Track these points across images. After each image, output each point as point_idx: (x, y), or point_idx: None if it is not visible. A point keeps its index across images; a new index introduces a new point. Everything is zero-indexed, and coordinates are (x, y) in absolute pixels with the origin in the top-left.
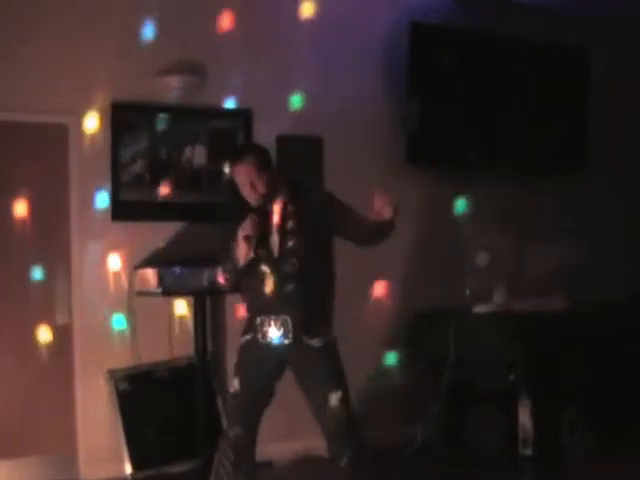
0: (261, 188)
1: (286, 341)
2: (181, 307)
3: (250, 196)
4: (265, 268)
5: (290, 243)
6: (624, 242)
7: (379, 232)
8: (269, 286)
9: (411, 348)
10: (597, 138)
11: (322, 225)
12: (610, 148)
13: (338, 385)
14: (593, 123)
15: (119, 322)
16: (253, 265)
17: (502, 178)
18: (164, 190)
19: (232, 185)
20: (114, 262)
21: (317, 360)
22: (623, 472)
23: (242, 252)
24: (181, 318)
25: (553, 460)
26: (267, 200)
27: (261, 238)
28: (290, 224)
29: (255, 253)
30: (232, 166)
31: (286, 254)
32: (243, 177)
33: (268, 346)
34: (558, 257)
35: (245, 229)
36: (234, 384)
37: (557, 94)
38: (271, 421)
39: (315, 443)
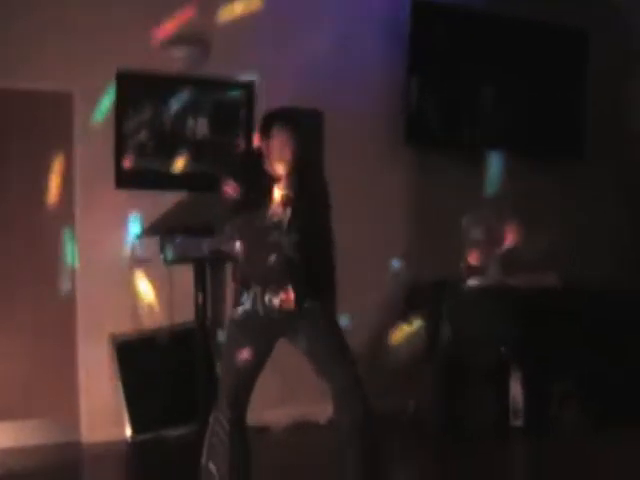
0: (289, 156)
1: (288, 310)
2: (182, 275)
3: (278, 164)
4: (274, 237)
5: (298, 213)
6: (620, 226)
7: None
8: (276, 255)
9: (406, 320)
10: (596, 121)
11: (321, 199)
12: (610, 132)
13: (342, 349)
14: (593, 107)
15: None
16: (260, 235)
17: (500, 157)
18: (179, 163)
19: (249, 154)
20: (117, 230)
21: (320, 326)
22: (613, 446)
23: (277, 211)
24: (182, 286)
25: (543, 432)
26: (289, 172)
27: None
28: (299, 195)
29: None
30: (271, 129)
31: (293, 224)
32: (279, 142)
33: (267, 316)
34: (553, 237)
35: (286, 188)
36: (226, 358)
37: (557, 75)
38: (268, 387)
39: (311, 409)
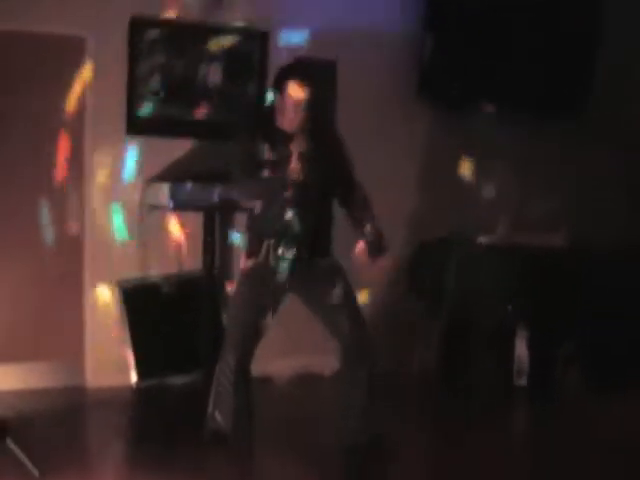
0: (303, 112)
1: (299, 261)
2: (191, 223)
3: (293, 119)
4: (291, 193)
5: (311, 168)
6: (625, 185)
7: (362, 208)
8: (291, 210)
9: (414, 277)
10: (605, 82)
11: (330, 158)
12: (616, 93)
13: (351, 305)
14: (602, 67)
15: (128, 234)
16: (276, 189)
17: (510, 115)
18: (191, 110)
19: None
20: (127, 175)
21: (329, 278)
22: (616, 408)
23: (294, 167)
24: (191, 234)
25: (546, 392)
26: (302, 126)
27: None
28: (312, 151)
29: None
30: (285, 83)
31: (309, 181)
32: (293, 97)
33: (279, 269)
34: (561, 195)
35: (301, 143)
36: (235, 309)
37: (571, 33)
38: (272, 338)
39: (315, 361)
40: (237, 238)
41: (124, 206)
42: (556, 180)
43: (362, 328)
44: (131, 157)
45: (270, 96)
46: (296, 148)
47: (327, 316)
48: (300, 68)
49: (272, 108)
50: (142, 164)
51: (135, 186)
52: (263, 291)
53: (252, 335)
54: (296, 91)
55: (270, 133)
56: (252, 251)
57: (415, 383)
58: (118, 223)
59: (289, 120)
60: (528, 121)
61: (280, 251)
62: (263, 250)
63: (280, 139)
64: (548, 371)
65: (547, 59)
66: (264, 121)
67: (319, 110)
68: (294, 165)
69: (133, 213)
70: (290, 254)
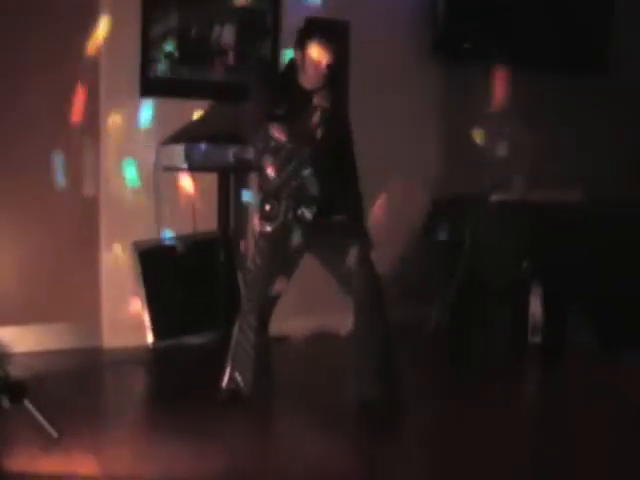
0: (325, 69)
1: (316, 221)
2: (206, 183)
3: (315, 77)
4: (307, 152)
5: (327, 128)
6: None
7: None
8: (309, 169)
9: (428, 234)
10: (622, 40)
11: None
12: (635, 47)
13: (366, 264)
14: (618, 26)
15: (143, 196)
16: (293, 149)
17: (525, 72)
18: (205, 71)
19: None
20: (141, 137)
21: (346, 241)
22: (630, 367)
23: (315, 123)
24: (205, 194)
25: (561, 350)
26: (323, 85)
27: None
28: (331, 109)
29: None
30: (307, 41)
31: (326, 140)
32: (316, 54)
33: (297, 229)
34: (576, 152)
35: (323, 100)
36: (254, 269)
37: None
38: (288, 297)
39: (331, 320)
40: (252, 198)
41: (139, 167)
42: (572, 136)
43: (377, 287)
44: (145, 118)
45: (285, 55)
46: (318, 104)
47: (342, 275)
48: (322, 28)
49: (289, 66)
50: (157, 125)
51: (150, 147)
52: (282, 252)
53: (272, 296)
54: (318, 47)
55: (286, 91)
56: (270, 213)
57: (430, 338)
58: (133, 185)
59: (310, 78)
60: (543, 77)
61: (299, 212)
62: (281, 212)
63: (299, 97)
64: (562, 328)
65: (562, 13)
66: (279, 80)
67: (338, 69)
68: (315, 120)
69: (148, 174)
70: (308, 215)
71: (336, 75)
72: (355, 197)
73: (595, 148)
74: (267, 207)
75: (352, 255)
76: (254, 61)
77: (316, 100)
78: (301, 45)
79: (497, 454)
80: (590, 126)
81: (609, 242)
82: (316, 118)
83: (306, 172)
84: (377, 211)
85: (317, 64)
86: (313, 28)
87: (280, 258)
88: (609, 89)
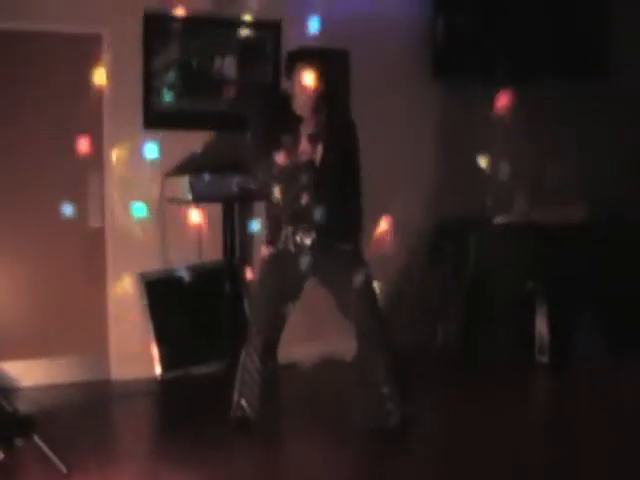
0: (313, 94)
1: (318, 246)
2: (210, 214)
3: (305, 103)
4: (305, 178)
5: (328, 154)
6: None
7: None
8: (307, 195)
9: (433, 257)
10: (621, 44)
11: (348, 139)
12: (634, 56)
13: (367, 291)
14: (617, 30)
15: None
16: (292, 175)
17: (526, 90)
18: (206, 103)
19: (279, 94)
20: (146, 168)
21: (348, 267)
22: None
23: (305, 150)
24: (210, 224)
25: (569, 367)
26: (315, 110)
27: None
28: (328, 137)
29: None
30: (298, 67)
31: (325, 165)
32: (303, 80)
33: (298, 255)
34: (579, 167)
35: (313, 127)
36: (258, 296)
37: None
38: (295, 324)
39: (338, 346)
40: (256, 227)
41: (144, 198)
42: (574, 153)
43: (377, 315)
44: (149, 150)
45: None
46: (305, 130)
47: (343, 300)
48: (308, 51)
49: (286, 95)
50: (161, 156)
51: (154, 179)
52: (284, 277)
53: (276, 321)
54: (305, 72)
55: (284, 119)
56: (272, 238)
57: (437, 356)
58: (139, 216)
59: (301, 104)
60: (543, 86)
61: (299, 237)
62: (282, 237)
63: (293, 123)
64: (569, 345)
65: (559, 30)
66: (278, 108)
67: (330, 93)
68: (303, 147)
69: (153, 205)
70: (308, 240)
71: (333, 99)
72: (355, 212)
73: (596, 152)
74: (267, 232)
75: (353, 281)
76: (254, 91)
77: (305, 127)
78: (289, 72)
79: (505, 471)
80: (590, 131)
81: (613, 256)
82: (304, 144)
83: (305, 198)
84: (380, 236)
85: (305, 90)
86: (299, 55)
87: (282, 282)
88: (609, 94)
